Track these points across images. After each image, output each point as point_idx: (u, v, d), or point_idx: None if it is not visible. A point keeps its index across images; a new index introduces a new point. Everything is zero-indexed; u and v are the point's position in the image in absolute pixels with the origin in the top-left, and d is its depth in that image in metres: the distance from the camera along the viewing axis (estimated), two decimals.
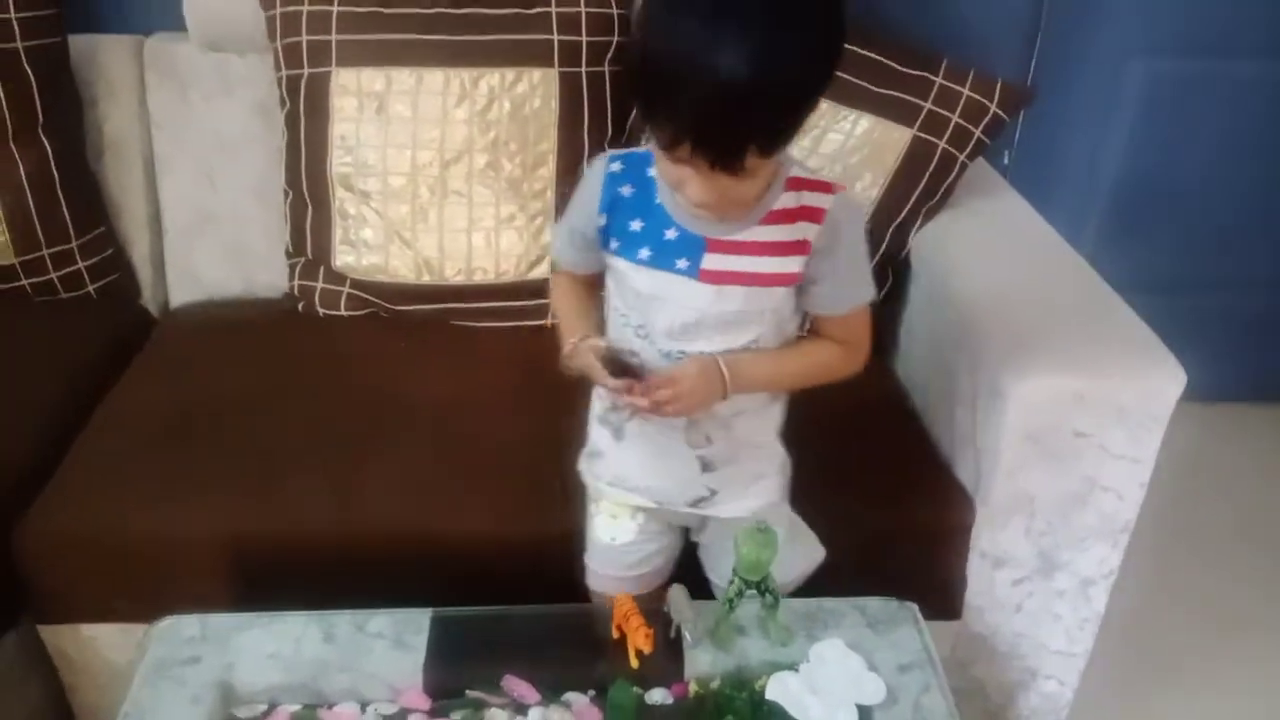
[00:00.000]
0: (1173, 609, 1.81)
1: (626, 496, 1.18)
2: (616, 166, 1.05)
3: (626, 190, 1.04)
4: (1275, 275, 2.20)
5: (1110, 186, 2.07)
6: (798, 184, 1.01)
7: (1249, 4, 1.92)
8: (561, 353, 1.08)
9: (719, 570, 1.22)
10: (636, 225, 1.03)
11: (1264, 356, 2.26)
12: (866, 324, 1.09)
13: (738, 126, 0.88)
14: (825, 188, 1.02)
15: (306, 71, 1.59)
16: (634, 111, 0.91)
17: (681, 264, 1.02)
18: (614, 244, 1.05)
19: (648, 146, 1.01)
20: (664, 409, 1.02)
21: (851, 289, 1.06)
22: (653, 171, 1.02)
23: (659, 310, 1.04)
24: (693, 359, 1.04)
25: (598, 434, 1.18)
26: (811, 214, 1.01)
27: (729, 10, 0.84)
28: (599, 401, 1.16)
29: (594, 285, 1.13)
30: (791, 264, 1.02)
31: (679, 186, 0.95)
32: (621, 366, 1.03)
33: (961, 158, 1.54)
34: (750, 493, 1.16)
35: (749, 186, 0.95)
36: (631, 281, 1.05)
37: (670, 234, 1.02)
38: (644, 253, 1.03)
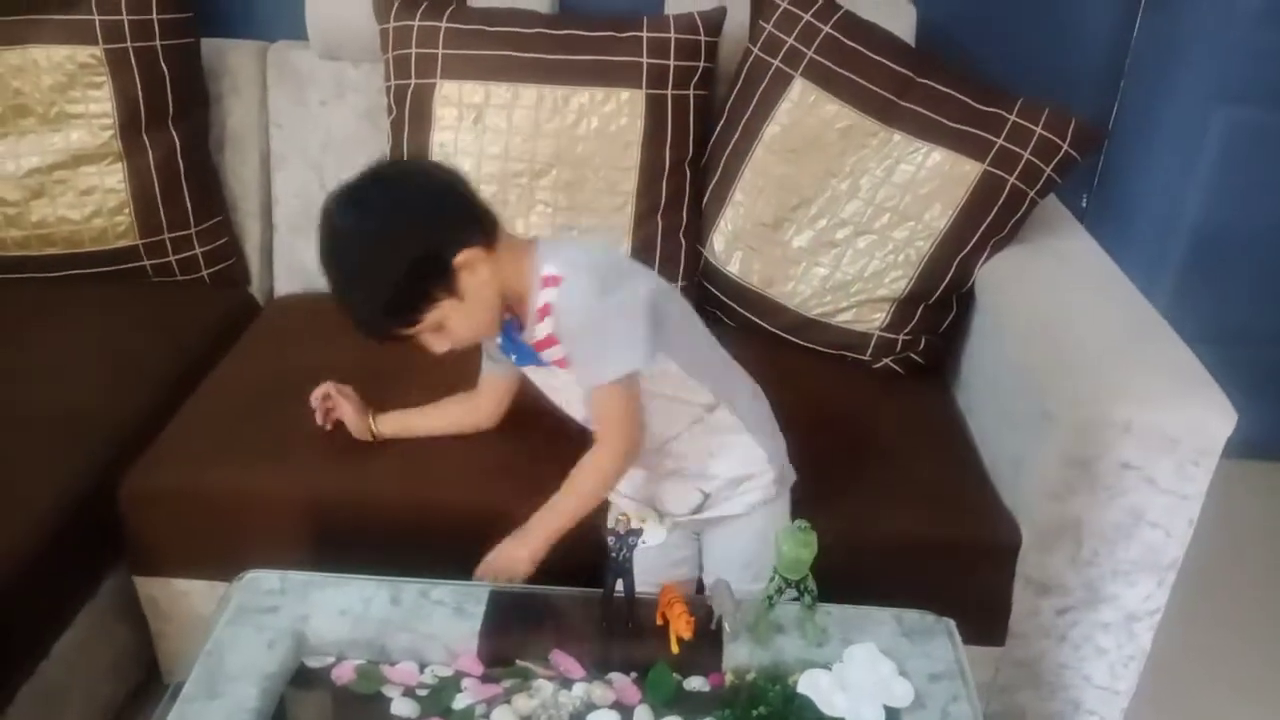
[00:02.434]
0: (1218, 659, 1.79)
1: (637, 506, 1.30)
2: None
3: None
4: None
5: (1189, 235, 2.06)
6: (545, 281, 1.16)
7: None
8: None
9: (709, 565, 1.35)
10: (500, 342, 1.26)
11: None
12: (613, 406, 1.18)
13: (352, 317, 1.15)
14: (553, 282, 1.16)
15: (413, 82, 1.71)
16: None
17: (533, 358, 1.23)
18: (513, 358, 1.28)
19: None
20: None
21: (588, 369, 1.18)
22: None
23: (549, 394, 1.28)
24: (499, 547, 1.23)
25: None
26: (546, 310, 1.17)
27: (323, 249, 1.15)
28: None
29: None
30: (558, 351, 1.19)
31: None
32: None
33: (1031, 194, 1.57)
34: (740, 492, 1.30)
35: (451, 330, 1.17)
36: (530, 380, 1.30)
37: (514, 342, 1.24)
38: (513, 356, 1.26)
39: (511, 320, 1.22)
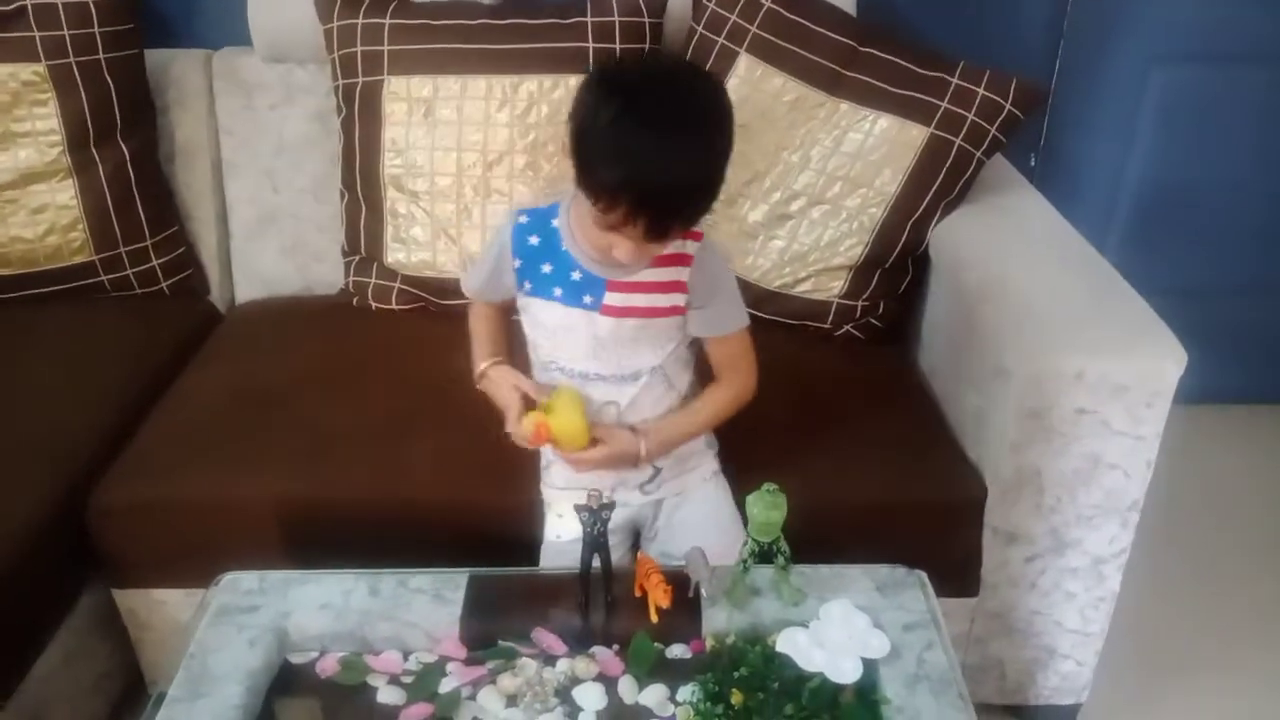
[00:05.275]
0: (1191, 598, 1.83)
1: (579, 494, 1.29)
2: (523, 219, 1.23)
3: (534, 240, 1.22)
4: None
5: (1135, 191, 2.10)
6: (687, 234, 1.19)
7: (1273, 12, 1.95)
8: (475, 372, 1.30)
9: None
10: (547, 268, 1.22)
11: None
12: (746, 350, 1.29)
13: (682, 216, 1.11)
14: (696, 236, 1.21)
15: (361, 80, 1.71)
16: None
17: (587, 300, 1.21)
18: (528, 285, 1.24)
19: (557, 201, 1.23)
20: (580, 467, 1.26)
21: (725, 315, 1.26)
22: (557, 222, 1.21)
23: (567, 337, 1.24)
24: (617, 435, 1.24)
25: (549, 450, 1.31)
26: (683, 259, 1.21)
27: (680, 125, 1.06)
28: None
29: (505, 310, 1.34)
30: (676, 299, 1.22)
31: (606, 248, 1.13)
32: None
33: (978, 155, 1.60)
34: (689, 467, 1.34)
35: (665, 245, 1.17)
36: (544, 316, 1.24)
37: (576, 275, 1.21)
38: (556, 290, 1.22)
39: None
